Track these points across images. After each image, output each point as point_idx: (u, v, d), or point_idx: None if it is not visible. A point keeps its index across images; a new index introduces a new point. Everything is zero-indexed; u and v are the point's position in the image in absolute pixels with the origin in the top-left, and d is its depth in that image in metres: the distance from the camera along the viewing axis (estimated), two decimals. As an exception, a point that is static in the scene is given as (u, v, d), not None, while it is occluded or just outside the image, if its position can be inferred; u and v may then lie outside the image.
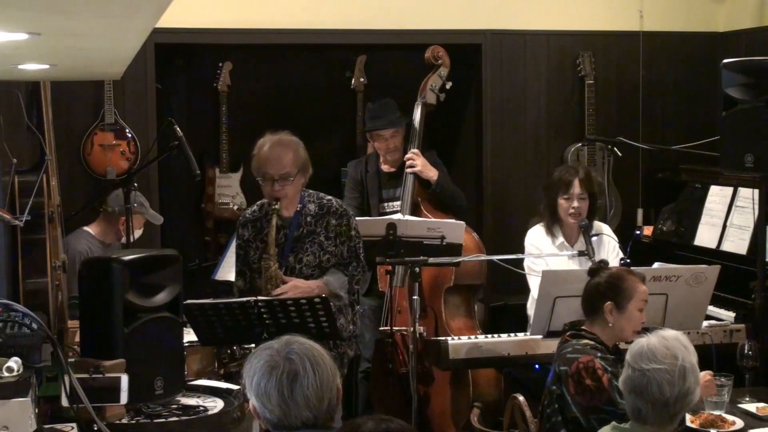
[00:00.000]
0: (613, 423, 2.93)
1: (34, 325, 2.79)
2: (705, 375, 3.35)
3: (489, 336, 4.60)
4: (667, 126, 6.21)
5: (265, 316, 3.68)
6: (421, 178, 5.26)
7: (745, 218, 5.06)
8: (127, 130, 5.56)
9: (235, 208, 6.08)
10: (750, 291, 4.68)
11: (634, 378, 2.81)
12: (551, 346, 3.99)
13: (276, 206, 4.07)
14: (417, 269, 4.43)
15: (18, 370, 2.70)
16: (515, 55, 6.02)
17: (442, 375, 4.94)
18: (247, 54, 6.23)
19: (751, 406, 3.71)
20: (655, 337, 2.86)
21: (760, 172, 4.43)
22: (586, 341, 3.54)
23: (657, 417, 2.80)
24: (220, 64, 6.07)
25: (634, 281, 3.59)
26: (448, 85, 5.44)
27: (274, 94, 6.34)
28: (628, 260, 4.60)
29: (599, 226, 4.94)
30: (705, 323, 4.50)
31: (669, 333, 2.90)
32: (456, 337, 4.62)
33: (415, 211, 5.18)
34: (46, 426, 3.07)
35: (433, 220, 4.96)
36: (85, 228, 5.12)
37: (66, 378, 2.87)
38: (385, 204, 5.38)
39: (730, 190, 5.23)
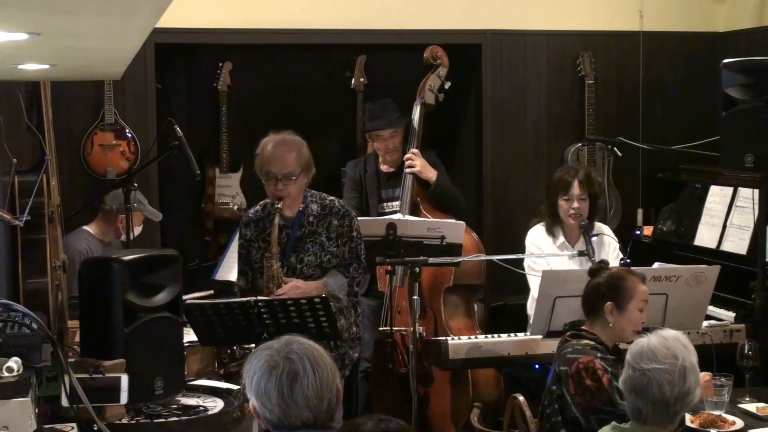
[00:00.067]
0: (613, 423, 2.93)
1: (34, 325, 2.79)
2: (704, 376, 3.34)
3: (489, 336, 4.60)
4: (667, 126, 6.22)
5: (265, 316, 3.68)
6: (420, 178, 5.26)
7: (745, 218, 5.06)
8: (127, 130, 5.56)
9: (235, 208, 6.08)
10: (750, 291, 4.68)
11: (634, 378, 2.81)
12: (551, 346, 3.99)
13: (279, 205, 4.08)
14: (417, 269, 4.43)
15: (18, 370, 2.70)
16: (515, 55, 6.02)
17: (442, 375, 4.94)
18: (247, 54, 6.23)
19: (751, 406, 3.71)
20: (655, 337, 2.86)
21: (760, 172, 4.43)
22: (586, 341, 3.54)
23: (657, 417, 2.80)
24: (220, 64, 6.07)
25: (635, 281, 3.59)
26: (447, 85, 5.44)
27: (274, 94, 6.34)
28: (628, 260, 4.60)
29: (600, 227, 4.94)
30: (705, 323, 4.50)
31: (669, 333, 2.90)
32: (456, 337, 4.62)
33: (414, 211, 5.18)
34: (46, 426, 3.07)
35: (433, 220, 4.95)
36: (85, 227, 5.13)
37: (66, 378, 2.87)
38: (384, 204, 5.38)
39: (730, 190, 5.23)
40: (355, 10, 5.81)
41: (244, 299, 3.71)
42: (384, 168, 5.42)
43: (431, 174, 5.25)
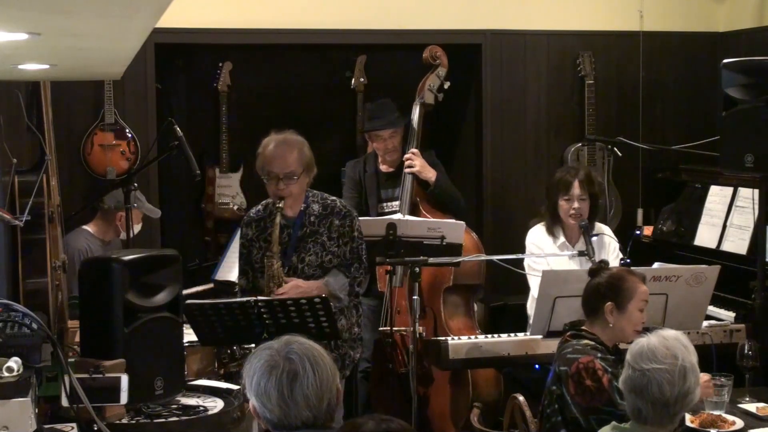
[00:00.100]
0: (613, 423, 2.93)
1: (34, 325, 2.79)
2: (703, 377, 3.34)
3: (489, 336, 4.60)
4: (667, 126, 6.22)
5: (265, 316, 3.68)
6: (419, 178, 5.26)
7: (745, 218, 5.06)
8: (127, 130, 5.56)
9: (235, 208, 6.08)
10: (750, 291, 4.68)
11: (634, 378, 2.81)
12: (551, 346, 3.99)
13: (280, 205, 4.08)
14: (417, 269, 4.43)
15: (18, 370, 2.70)
16: (515, 55, 6.02)
17: (442, 375, 4.94)
18: (247, 54, 6.23)
19: (751, 406, 3.71)
20: (655, 337, 2.86)
21: (760, 172, 4.43)
22: (586, 341, 3.54)
23: (657, 417, 2.80)
24: (220, 64, 6.07)
25: (635, 281, 3.59)
26: (447, 85, 5.43)
27: (274, 94, 6.34)
28: (628, 260, 4.60)
29: (600, 227, 4.94)
30: (705, 323, 4.50)
31: (669, 333, 2.89)
32: (456, 337, 4.62)
33: (413, 211, 5.18)
34: (46, 426, 3.07)
35: (433, 220, 4.95)
36: (84, 227, 5.13)
37: (66, 378, 2.87)
38: (384, 204, 5.38)
39: (730, 190, 5.23)
40: (355, 10, 5.81)
41: (244, 299, 3.72)
42: (383, 168, 5.42)
43: (431, 174, 5.25)
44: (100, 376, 3.10)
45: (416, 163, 5.24)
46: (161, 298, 3.43)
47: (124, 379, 3.12)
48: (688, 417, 3.46)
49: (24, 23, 1.87)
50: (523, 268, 4.80)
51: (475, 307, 5.22)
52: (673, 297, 4.21)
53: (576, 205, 4.76)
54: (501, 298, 5.71)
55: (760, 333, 4.39)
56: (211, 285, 5.15)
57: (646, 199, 6.05)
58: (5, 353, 2.73)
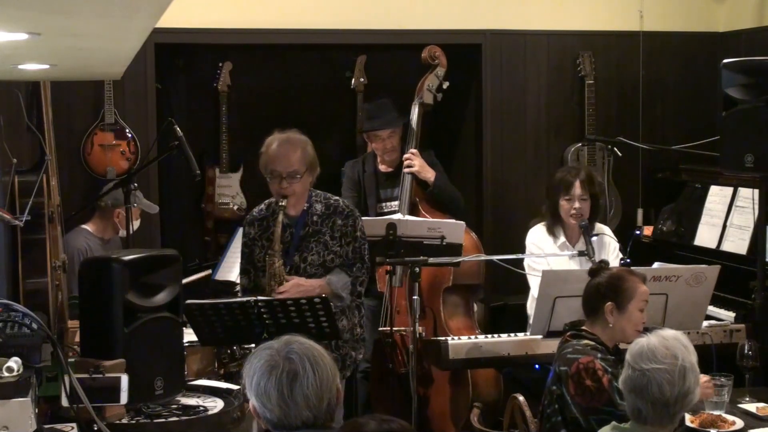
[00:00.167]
0: (613, 423, 2.93)
1: (34, 325, 2.79)
2: (702, 378, 3.34)
3: (489, 336, 4.60)
4: (667, 126, 6.22)
5: (265, 316, 3.68)
6: (418, 178, 5.26)
7: (745, 218, 5.06)
8: (127, 130, 5.56)
9: (235, 208, 6.08)
10: (750, 291, 4.68)
11: (634, 378, 2.81)
12: (551, 346, 3.99)
13: (283, 204, 4.08)
14: (417, 269, 4.43)
15: (18, 370, 2.70)
16: (515, 55, 6.02)
17: (442, 375, 4.94)
18: (247, 54, 6.23)
19: (751, 406, 3.71)
20: (655, 337, 2.86)
21: (760, 172, 4.43)
22: (586, 342, 3.54)
23: (657, 417, 2.80)
24: (220, 64, 6.07)
25: (635, 281, 3.59)
26: (445, 85, 5.43)
27: (274, 94, 6.34)
28: (628, 260, 4.60)
29: (600, 227, 4.94)
30: (705, 323, 4.50)
31: (669, 333, 2.89)
32: (456, 337, 4.62)
33: (413, 211, 5.18)
34: (46, 426, 3.07)
35: (433, 220, 4.95)
36: (83, 226, 5.13)
37: (66, 378, 2.87)
38: (383, 204, 5.38)
39: (730, 190, 5.23)
40: (355, 10, 5.81)
41: (244, 299, 3.72)
42: (382, 168, 5.42)
43: (430, 174, 5.25)
44: (100, 376, 3.10)
45: (415, 163, 5.24)
46: (161, 298, 3.43)
47: (124, 379, 3.12)
48: (688, 417, 3.46)
49: (24, 23, 1.87)
50: (523, 268, 4.80)
51: (475, 307, 5.22)
52: (673, 297, 4.22)
53: (577, 205, 4.76)
54: (501, 298, 5.72)
55: (760, 333, 4.39)
56: (208, 272, 5.17)
57: (646, 199, 6.06)
58: (5, 353, 2.73)
